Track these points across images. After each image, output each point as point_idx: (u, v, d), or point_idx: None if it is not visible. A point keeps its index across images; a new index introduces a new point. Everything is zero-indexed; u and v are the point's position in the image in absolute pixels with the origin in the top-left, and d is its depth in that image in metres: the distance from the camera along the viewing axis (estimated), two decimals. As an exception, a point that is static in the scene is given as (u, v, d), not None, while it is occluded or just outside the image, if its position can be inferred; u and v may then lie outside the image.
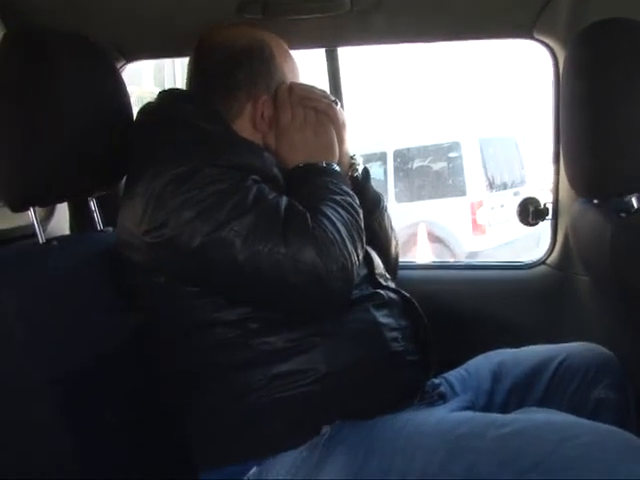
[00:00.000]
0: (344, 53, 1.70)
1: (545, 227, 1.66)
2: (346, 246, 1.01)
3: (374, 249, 1.25)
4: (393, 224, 1.39)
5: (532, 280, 1.67)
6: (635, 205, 1.07)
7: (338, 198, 1.08)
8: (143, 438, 1.14)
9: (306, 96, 1.19)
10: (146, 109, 1.18)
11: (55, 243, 1.14)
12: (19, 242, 1.23)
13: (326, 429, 1.00)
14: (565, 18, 1.39)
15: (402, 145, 5.99)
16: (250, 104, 1.18)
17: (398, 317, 1.13)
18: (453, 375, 1.25)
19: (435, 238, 5.56)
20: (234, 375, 1.03)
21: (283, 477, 0.98)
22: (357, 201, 1.12)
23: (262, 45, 1.20)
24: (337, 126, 1.20)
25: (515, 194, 5.69)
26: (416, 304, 1.18)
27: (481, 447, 0.88)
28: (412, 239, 5.34)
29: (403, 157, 5.97)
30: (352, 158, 1.29)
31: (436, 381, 1.20)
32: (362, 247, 1.08)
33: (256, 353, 1.02)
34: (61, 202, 1.36)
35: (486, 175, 5.70)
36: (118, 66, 1.58)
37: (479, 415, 1.01)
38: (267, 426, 1.02)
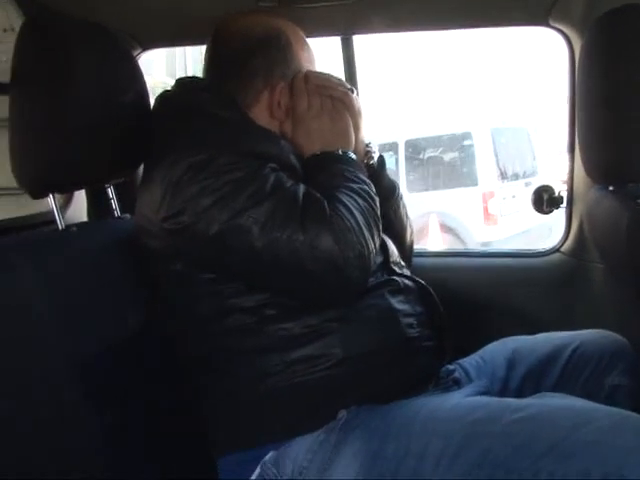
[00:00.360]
0: (359, 41, 1.70)
1: (555, 219, 1.65)
2: (363, 233, 1.02)
3: (389, 237, 1.25)
4: (408, 212, 1.39)
5: (546, 268, 1.67)
6: (652, 192, 1.08)
7: (355, 186, 1.08)
8: (159, 422, 1.15)
9: (322, 84, 1.19)
10: (163, 97, 1.18)
11: (74, 229, 1.15)
12: (39, 228, 1.25)
13: (342, 413, 1.01)
14: (581, 5, 1.38)
15: (414, 135, 5.98)
16: (267, 92, 1.18)
17: (414, 303, 1.13)
18: (467, 362, 1.26)
19: (446, 228, 5.56)
20: (251, 360, 1.04)
21: (300, 461, 0.98)
22: (373, 189, 1.12)
23: (278, 33, 1.20)
24: (353, 114, 1.20)
25: (527, 184, 5.68)
26: (431, 291, 1.18)
27: (496, 431, 0.88)
28: (424, 229, 5.33)
29: (415, 147, 5.96)
30: (367, 146, 1.29)
31: (451, 367, 1.20)
32: (379, 235, 1.08)
33: (273, 339, 1.03)
34: (79, 189, 1.37)
35: (498, 165, 5.68)
36: (134, 54, 1.59)
37: (494, 400, 1.01)
38: (284, 410, 1.03)
